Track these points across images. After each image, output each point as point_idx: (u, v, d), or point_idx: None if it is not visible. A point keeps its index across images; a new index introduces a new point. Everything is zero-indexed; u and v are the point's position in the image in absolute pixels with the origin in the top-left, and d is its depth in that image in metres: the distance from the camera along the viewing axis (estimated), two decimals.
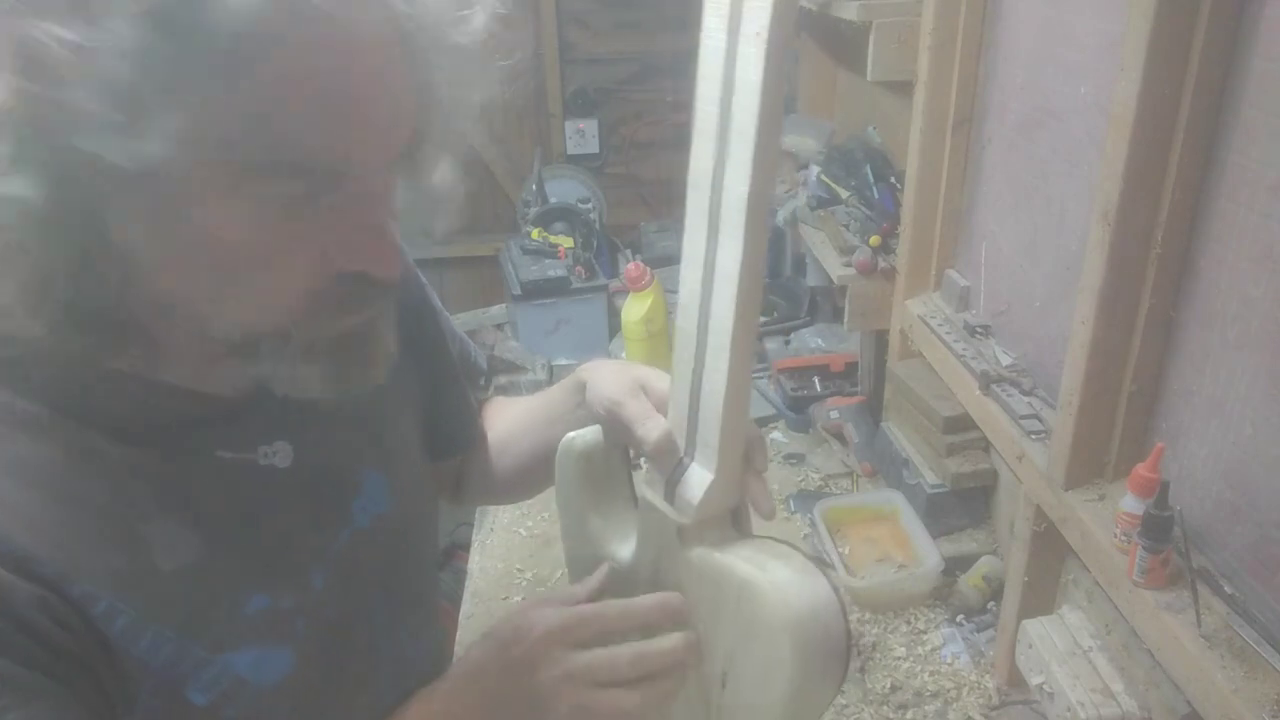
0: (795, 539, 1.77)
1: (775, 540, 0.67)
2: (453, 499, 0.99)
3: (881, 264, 1.83)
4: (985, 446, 1.61)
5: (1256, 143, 0.96)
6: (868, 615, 1.56)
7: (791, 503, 1.88)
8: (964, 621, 1.54)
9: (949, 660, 1.47)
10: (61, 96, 0.46)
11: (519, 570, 1.76)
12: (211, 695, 0.62)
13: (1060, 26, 1.32)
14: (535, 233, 2.95)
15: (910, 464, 1.71)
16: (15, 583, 0.53)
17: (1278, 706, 0.90)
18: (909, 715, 1.38)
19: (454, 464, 0.96)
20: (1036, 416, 1.35)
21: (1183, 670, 0.99)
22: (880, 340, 1.98)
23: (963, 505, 1.66)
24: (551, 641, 0.64)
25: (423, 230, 0.74)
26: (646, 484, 0.70)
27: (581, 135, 3.41)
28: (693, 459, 0.67)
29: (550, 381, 2.41)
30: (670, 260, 2.77)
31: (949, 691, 1.41)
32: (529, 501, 1.89)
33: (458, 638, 1.55)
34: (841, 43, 2.27)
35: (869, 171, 1.95)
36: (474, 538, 1.89)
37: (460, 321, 2.92)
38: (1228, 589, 1.01)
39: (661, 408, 0.70)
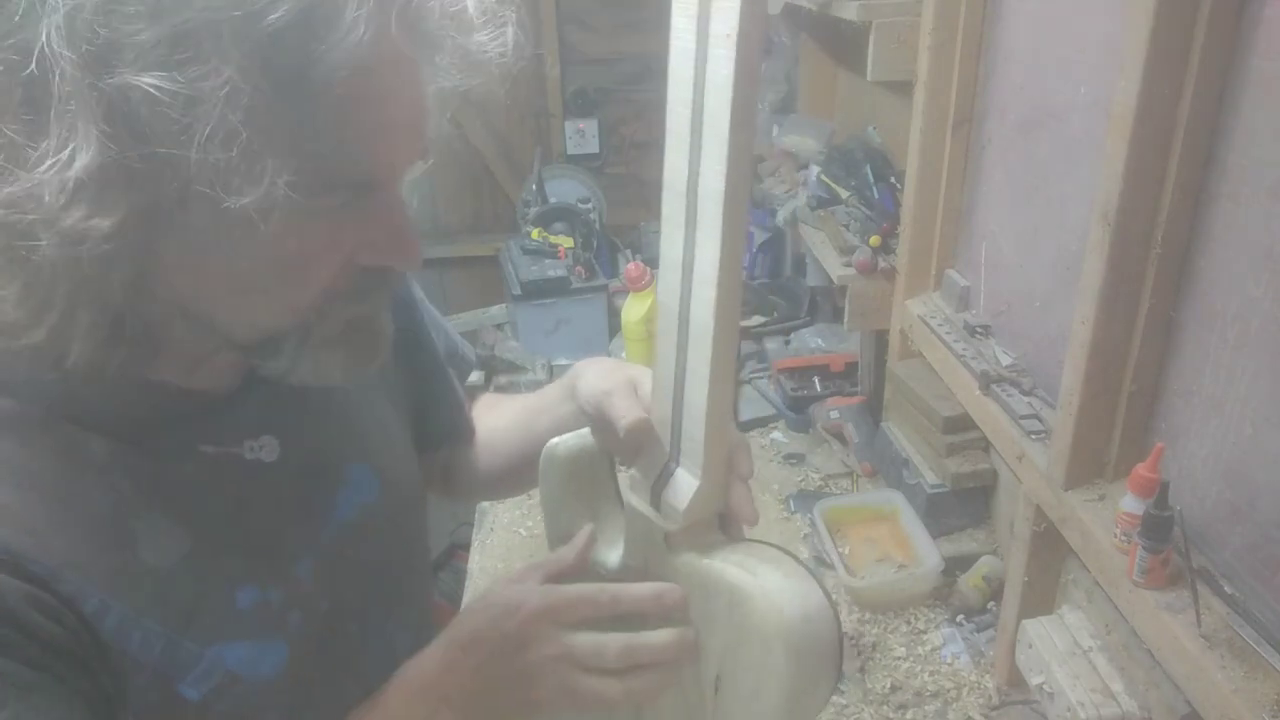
0: (795, 539, 1.78)
1: (765, 544, 0.67)
2: (442, 492, 1.00)
3: (881, 264, 1.83)
4: (985, 446, 1.61)
5: (1256, 143, 0.96)
6: (868, 615, 1.56)
7: (791, 503, 1.88)
8: (964, 621, 1.54)
9: (949, 660, 1.47)
10: (161, 145, 0.47)
11: None
12: (204, 690, 0.62)
13: (1060, 26, 1.32)
14: (535, 233, 2.95)
15: (910, 464, 1.71)
16: (6, 580, 0.54)
17: (1278, 706, 0.90)
18: (909, 715, 1.38)
19: (443, 456, 0.96)
20: (1036, 416, 1.35)
21: (1183, 670, 0.99)
22: (880, 340, 1.98)
23: (963, 505, 1.66)
24: (543, 620, 0.64)
25: None
26: (632, 490, 0.69)
27: (581, 135, 3.41)
28: (677, 464, 0.66)
29: (550, 381, 2.41)
30: None
31: (949, 691, 1.41)
32: (529, 501, 1.89)
33: None
34: (841, 43, 2.27)
35: (869, 171, 1.95)
36: (474, 538, 1.89)
37: (460, 321, 2.94)
38: (1228, 589, 1.01)
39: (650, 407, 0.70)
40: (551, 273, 2.76)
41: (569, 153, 3.43)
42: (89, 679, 0.57)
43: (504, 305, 2.94)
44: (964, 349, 1.54)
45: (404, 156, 0.58)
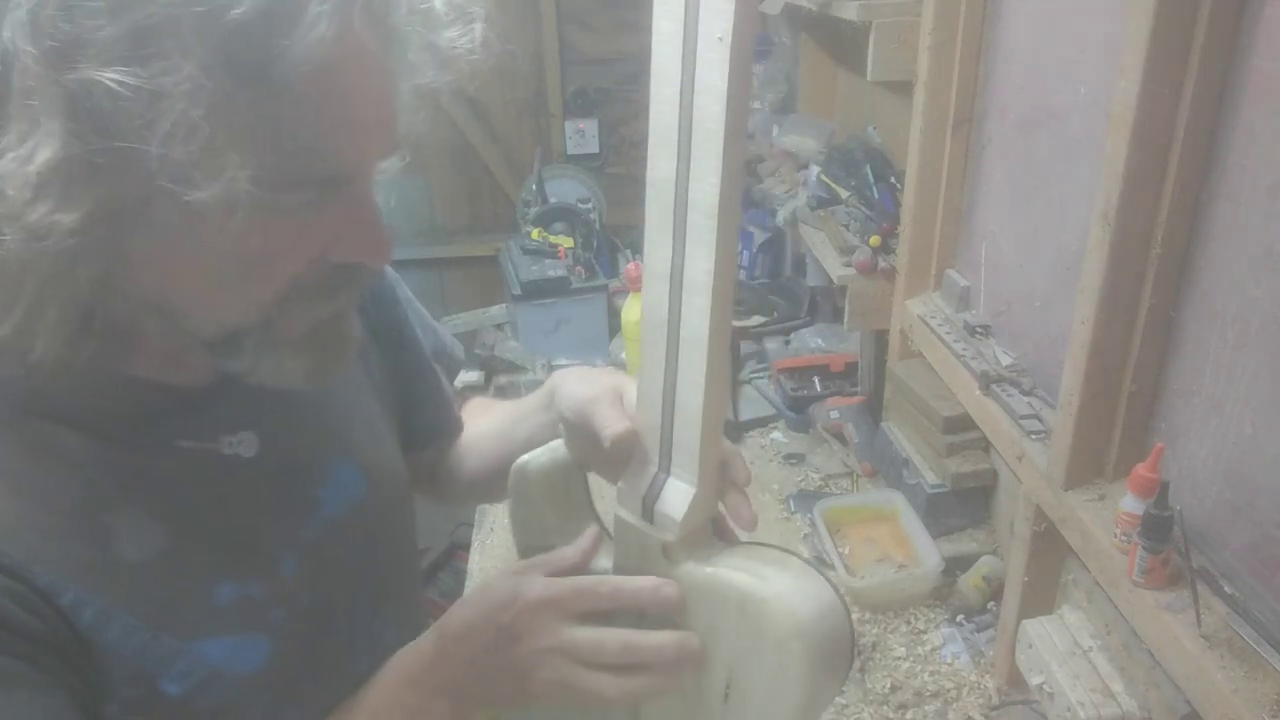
0: (795, 539, 1.78)
1: (764, 545, 0.66)
2: (430, 493, 0.99)
3: (881, 264, 1.83)
4: (985, 446, 1.61)
5: (1256, 143, 0.96)
6: (868, 615, 1.56)
7: (791, 503, 1.88)
8: (964, 621, 1.54)
9: (949, 660, 1.47)
10: (123, 140, 0.47)
11: None
12: (185, 685, 0.62)
13: (1060, 26, 1.32)
14: (535, 233, 2.95)
15: (910, 464, 1.71)
16: None
17: (1278, 706, 0.90)
18: (909, 715, 1.38)
19: (430, 455, 0.96)
20: (1036, 416, 1.35)
21: (1183, 670, 0.99)
22: (880, 340, 1.98)
23: (963, 505, 1.66)
24: (541, 611, 0.63)
25: None
26: (620, 504, 0.68)
27: (581, 135, 3.41)
28: (668, 473, 0.65)
29: None
30: None
31: (949, 691, 1.41)
32: None
33: None
34: (841, 43, 2.27)
35: (869, 171, 1.95)
36: (474, 538, 1.89)
37: (460, 321, 2.94)
38: (1228, 589, 1.01)
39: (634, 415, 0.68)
40: (551, 273, 2.76)
41: (569, 153, 3.43)
42: (71, 671, 0.57)
43: (504, 305, 2.94)
44: (964, 349, 1.54)
45: (372, 153, 0.58)
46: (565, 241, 2.91)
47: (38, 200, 0.48)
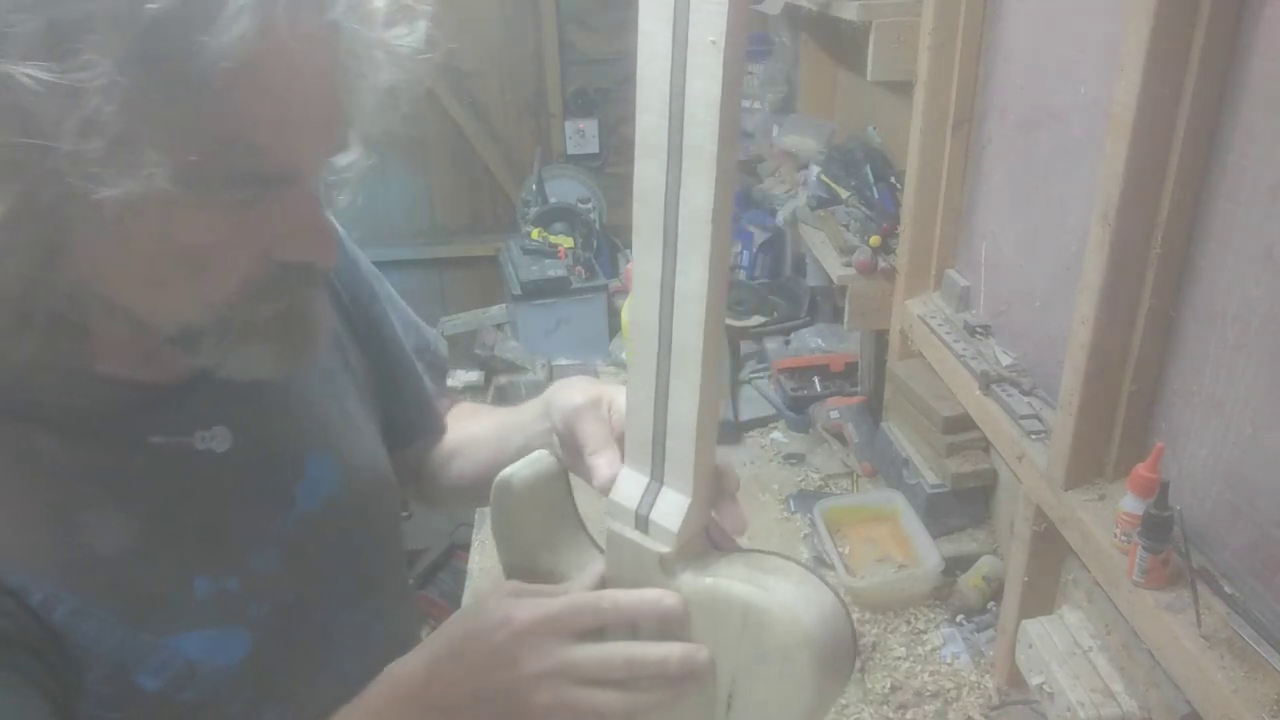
0: (795, 539, 1.78)
1: (761, 552, 0.65)
2: (416, 495, 0.99)
3: (881, 264, 1.83)
4: (985, 446, 1.61)
5: (1256, 143, 0.96)
6: (868, 615, 1.56)
7: (791, 503, 1.88)
8: (964, 621, 1.54)
9: (949, 660, 1.47)
10: (41, 134, 0.47)
11: None
12: (162, 680, 0.62)
13: (1060, 26, 1.32)
14: (535, 233, 2.95)
15: (910, 464, 1.71)
16: None
17: (1278, 706, 0.90)
18: (909, 715, 1.38)
19: (414, 454, 0.96)
20: (1036, 416, 1.35)
21: (1183, 670, 0.99)
22: (880, 340, 1.98)
23: (963, 505, 1.66)
24: (538, 632, 0.62)
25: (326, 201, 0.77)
26: (611, 516, 0.66)
27: (581, 135, 3.41)
28: (661, 483, 0.63)
29: (550, 382, 2.41)
30: None
31: (949, 691, 1.41)
32: None
33: None
34: (841, 43, 2.27)
35: (869, 171, 1.95)
36: (474, 538, 1.89)
37: (460, 321, 2.94)
38: (1228, 589, 1.01)
39: (620, 427, 0.68)
40: (551, 273, 2.76)
41: (569, 153, 3.43)
42: (44, 670, 0.57)
43: (504, 305, 2.95)
44: (964, 349, 1.54)
45: (314, 152, 0.58)
46: (565, 241, 2.91)
47: None
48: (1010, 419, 1.37)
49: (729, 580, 0.62)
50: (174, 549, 0.64)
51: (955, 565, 1.59)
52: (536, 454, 0.72)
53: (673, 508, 0.63)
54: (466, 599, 1.71)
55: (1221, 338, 1.03)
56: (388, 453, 0.87)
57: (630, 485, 0.65)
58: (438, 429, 0.96)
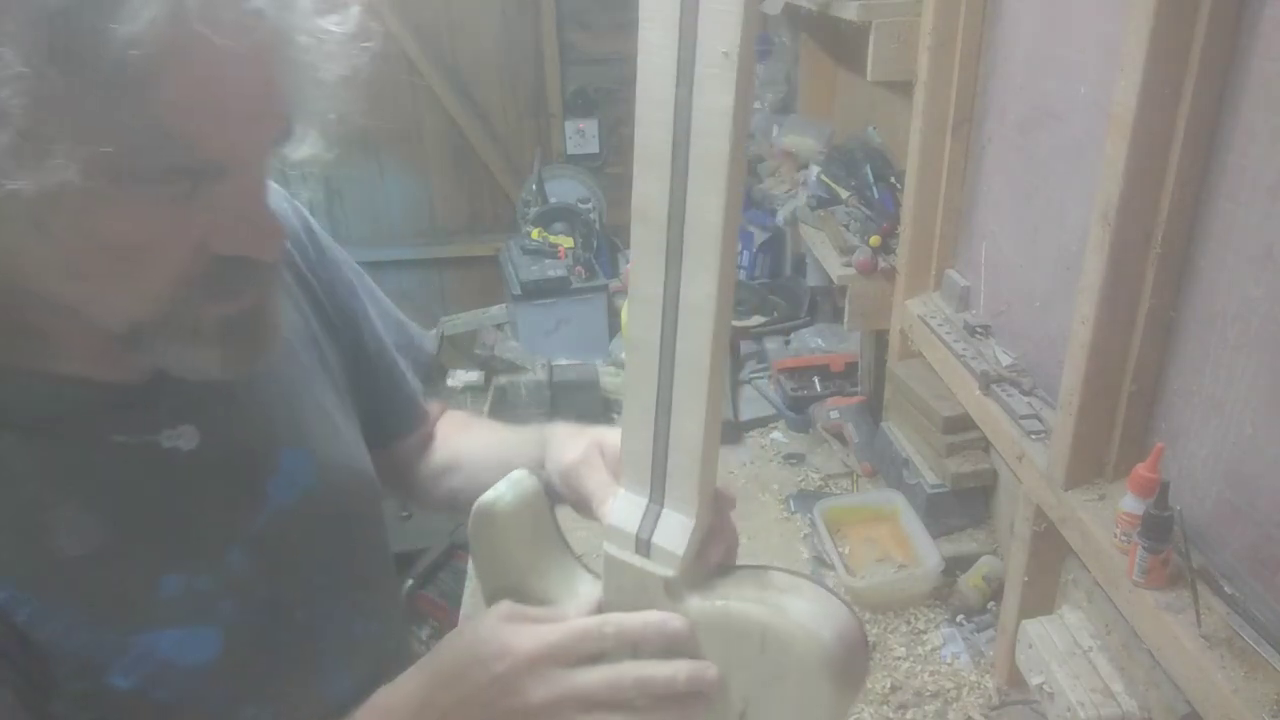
0: (795, 539, 1.78)
1: (765, 568, 0.64)
2: (407, 495, 0.98)
3: (881, 264, 1.83)
4: (985, 446, 1.61)
5: (1256, 143, 0.96)
6: (868, 615, 1.56)
7: (791, 503, 1.88)
8: (964, 621, 1.54)
9: (949, 660, 1.47)
10: None
11: None
12: (135, 678, 0.62)
13: (1060, 26, 1.32)
14: (535, 233, 2.95)
15: (910, 464, 1.71)
16: None
17: (1278, 706, 0.90)
18: (909, 715, 1.38)
19: (399, 453, 0.95)
20: (1036, 416, 1.35)
21: (1183, 670, 0.99)
22: (880, 340, 1.98)
23: (963, 505, 1.66)
24: (542, 660, 0.60)
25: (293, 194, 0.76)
26: (609, 540, 0.64)
27: (581, 135, 3.41)
28: (662, 505, 0.62)
29: (550, 381, 2.41)
30: None
31: (949, 691, 1.41)
32: None
33: None
34: (841, 43, 2.27)
35: (869, 171, 1.95)
36: None
37: (460, 321, 2.94)
38: (1228, 589, 1.01)
39: (619, 468, 0.66)
40: (551, 273, 2.76)
41: (569, 153, 3.43)
42: (12, 670, 0.57)
43: (504, 305, 2.95)
44: (964, 349, 1.54)
45: (247, 142, 0.56)
46: (565, 241, 2.91)
47: None
48: (1010, 419, 1.37)
49: (742, 602, 0.61)
50: (141, 548, 0.64)
51: (955, 565, 1.59)
52: (515, 475, 0.69)
53: (676, 530, 0.61)
54: (466, 599, 1.71)
55: (1221, 338, 1.03)
56: (371, 449, 0.86)
57: (628, 508, 0.63)
58: (423, 426, 0.96)
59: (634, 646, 0.62)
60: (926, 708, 1.39)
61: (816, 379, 2.18)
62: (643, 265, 0.57)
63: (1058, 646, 1.24)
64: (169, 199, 0.54)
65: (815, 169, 2.13)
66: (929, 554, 1.56)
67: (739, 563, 0.67)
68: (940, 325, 1.63)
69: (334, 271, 0.85)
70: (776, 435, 2.13)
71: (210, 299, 0.59)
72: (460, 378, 2.58)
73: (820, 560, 1.67)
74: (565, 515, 0.72)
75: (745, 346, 2.43)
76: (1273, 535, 0.97)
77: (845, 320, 1.93)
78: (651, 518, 0.62)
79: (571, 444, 0.72)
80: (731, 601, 0.61)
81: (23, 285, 0.56)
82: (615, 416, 2.26)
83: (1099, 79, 1.20)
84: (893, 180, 1.90)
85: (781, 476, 1.98)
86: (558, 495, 0.73)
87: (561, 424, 0.80)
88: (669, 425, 0.60)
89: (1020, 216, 1.47)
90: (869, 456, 1.92)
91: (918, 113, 1.62)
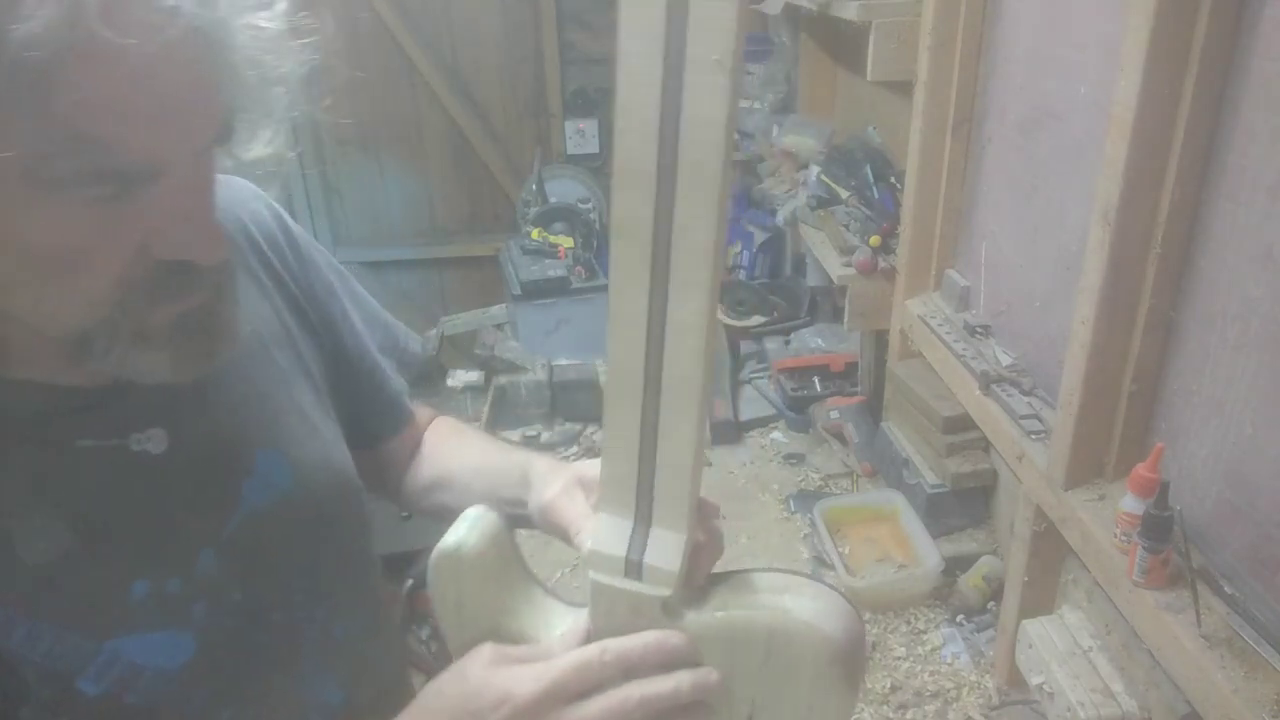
0: (795, 539, 1.78)
1: (759, 571, 0.63)
2: (395, 498, 0.98)
3: (881, 264, 1.83)
4: (985, 446, 1.61)
5: (1256, 143, 0.96)
6: (868, 615, 1.56)
7: (791, 503, 1.88)
8: (964, 621, 1.54)
9: (949, 660, 1.47)
10: None
11: None
12: (105, 684, 0.62)
13: (1060, 26, 1.32)
14: (535, 233, 2.95)
15: (910, 464, 1.71)
16: None
17: (1278, 706, 0.90)
18: (909, 715, 1.38)
19: (384, 454, 0.94)
20: (1036, 416, 1.35)
21: (1183, 670, 0.99)
22: (880, 340, 1.98)
23: (963, 505, 1.66)
24: (545, 701, 0.58)
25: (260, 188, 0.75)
26: (593, 567, 0.62)
27: (581, 135, 3.42)
28: (649, 524, 0.60)
29: (550, 381, 2.41)
30: None
31: (949, 691, 1.41)
32: None
33: None
34: (841, 43, 2.28)
35: (869, 171, 1.95)
36: None
37: (460, 321, 2.94)
38: (1228, 589, 1.01)
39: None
40: (551, 273, 2.77)
41: (569, 153, 3.43)
42: None
43: (504, 305, 2.95)
44: (964, 349, 1.54)
45: (176, 143, 0.54)
46: (565, 241, 2.91)
47: None
48: (1010, 419, 1.37)
49: (743, 610, 0.60)
50: (110, 553, 0.64)
51: (955, 565, 1.59)
52: (474, 513, 0.66)
53: (668, 548, 0.60)
54: None
55: (1221, 338, 1.03)
56: (354, 450, 0.85)
57: (612, 532, 0.61)
58: (408, 428, 0.95)
59: (631, 670, 0.60)
60: (926, 708, 1.39)
61: (816, 379, 2.18)
62: (624, 284, 0.55)
63: (1058, 646, 1.24)
64: (96, 203, 0.53)
65: (815, 169, 2.13)
66: (929, 554, 1.56)
67: (733, 567, 0.66)
68: (940, 325, 1.63)
69: (312, 272, 0.85)
70: (776, 435, 2.13)
71: (155, 302, 0.58)
72: (460, 378, 2.58)
73: (820, 560, 1.67)
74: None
75: (745, 346, 2.43)
76: (1273, 535, 0.97)
77: (845, 320, 1.93)
78: (640, 539, 0.60)
79: (552, 478, 0.72)
80: (731, 611, 0.60)
81: None
82: None
83: (1099, 79, 1.20)
84: (893, 180, 1.90)
85: (781, 476, 1.98)
86: (542, 528, 0.73)
87: (541, 459, 0.79)
88: (655, 447, 0.58)
89: (1020, 216, 1.47)
90: (869, 456, 1.92)
91: (918, 113, 1.62)
